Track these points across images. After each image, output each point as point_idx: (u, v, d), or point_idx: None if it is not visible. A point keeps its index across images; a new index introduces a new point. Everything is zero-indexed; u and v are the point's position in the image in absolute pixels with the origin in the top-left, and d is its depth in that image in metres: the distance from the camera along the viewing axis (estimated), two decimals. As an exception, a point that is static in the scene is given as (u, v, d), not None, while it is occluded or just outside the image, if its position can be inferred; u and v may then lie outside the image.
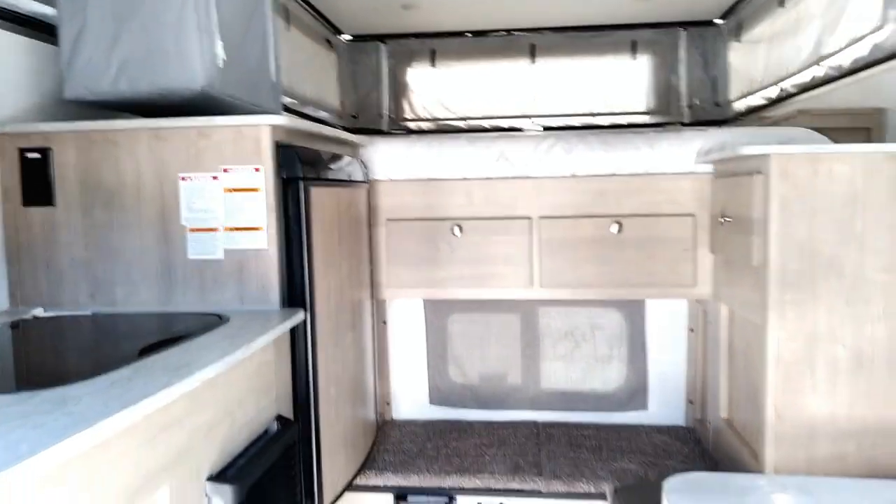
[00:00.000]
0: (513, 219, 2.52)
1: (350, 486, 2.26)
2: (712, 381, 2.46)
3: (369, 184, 2.55)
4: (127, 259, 1.83)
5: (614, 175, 2.47)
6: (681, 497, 1.31)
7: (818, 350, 1.83)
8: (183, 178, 1.79)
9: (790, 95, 3.01)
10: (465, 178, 2.54)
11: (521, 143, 2.53)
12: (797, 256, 1.82)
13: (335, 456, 2.06)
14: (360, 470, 2.34)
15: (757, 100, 3.56)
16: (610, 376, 2.79)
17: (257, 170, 1.77)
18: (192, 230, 1.81)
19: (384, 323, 2.85)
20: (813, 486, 1.34)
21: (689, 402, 2.75)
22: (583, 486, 2.24)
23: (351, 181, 2.33)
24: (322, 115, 4.31)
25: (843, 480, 1.38)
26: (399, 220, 2.58)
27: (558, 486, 2.25)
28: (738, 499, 1.30)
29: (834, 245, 1.80)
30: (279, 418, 1.77)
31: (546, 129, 4.85)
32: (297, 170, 1.86)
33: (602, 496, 2.21)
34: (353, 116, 5.03)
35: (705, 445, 2.53)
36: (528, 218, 2.51)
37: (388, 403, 2.90)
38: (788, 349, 1.84)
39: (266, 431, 1.69)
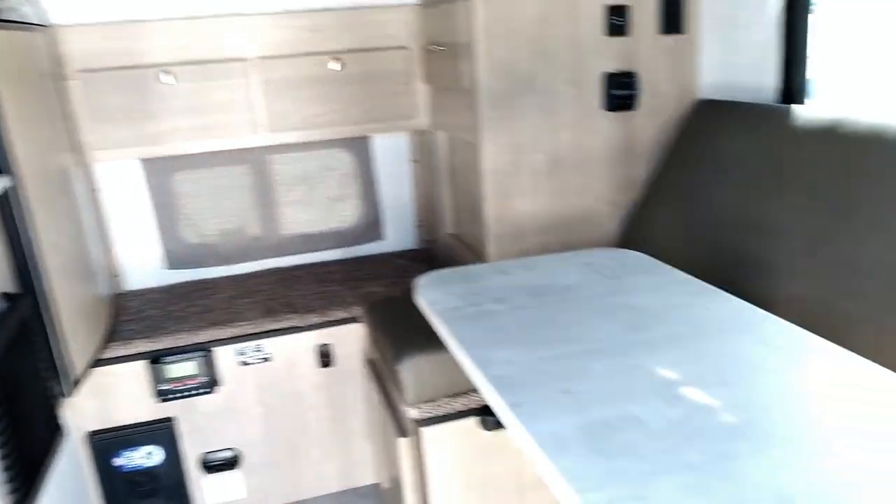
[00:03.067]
0: (228, 61, 2.39)
1: (98, 361, 2.15)
2: (438, 204, 2.72)
3: (48, 28, 2.20)
4: None
5: (327, 10, 2.45)
6: (430, 288, 1.51)
7: (523, 159, 2.12)
8: None
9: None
10: (166, 18, 2.31)
11: (227, -23, 2.35)
12: (500, 76, 2.03)
13: (74, 329, 1.94)
14: (104, 343, 2.23)
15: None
16: (346, 213, 2.92)
17: None
18: None
19: (97, 190, 2.60)
20: (531, 263, 1.63)
21: (419, 226, 3.02)
22: (337, 314, 2.40)
23: (26, 24, 1.99)
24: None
25: (551, 255, 1.69)
26: (95, 71, 2.30)
27: (314, 318, 2.38)
28: (476, 281, 1.53)
29: (529, 63, 2.04)
30: (5, 295, 1.60)
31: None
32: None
33: (355, 319, 2.40)
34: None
35: (437, 261, 2.83)
36: (245, 59, 2.41)
37: (118, 276, 2.72)
38: (500, 161, 2.10)
39: (-8, 313, 1.52)
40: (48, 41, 2.18)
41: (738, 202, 1.71)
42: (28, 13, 2.06)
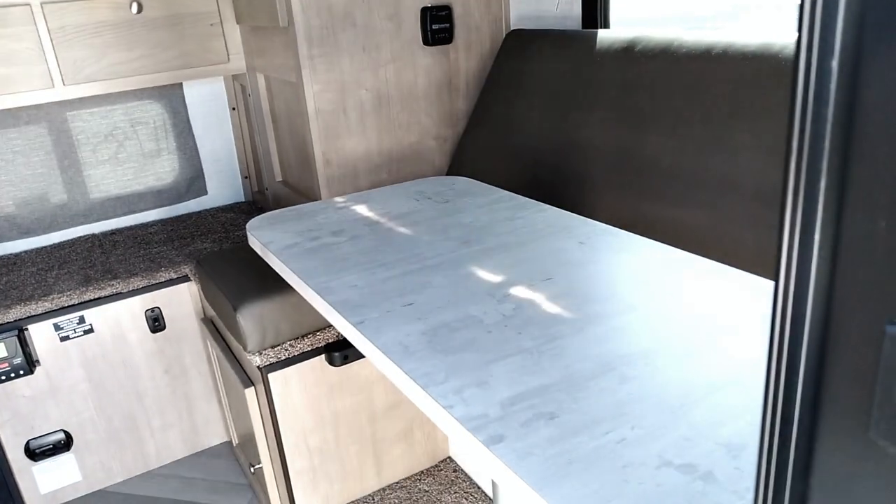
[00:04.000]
0: (6, 7, 2.12)
1: None
2: (263, 152, 2.63)
3: None
4: None
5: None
6: (264, 229, 1.47)
7: (347, 97, 2.10)
8: None
9: None
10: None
11: None
12: (317, 13, 1.98)
13: None
14: None
15: None
16: (163, 170, 2.74)
17: None
18: None
19: None
20: (365, 197, 1.64)
21: (245, 177, 2.91)
22: (164, 275, 2.27)
23: None
24: None
25: (384, 188, 1.71)
26: None
27: (139, 282, 2.24)
28: (310, 218, 1.52)
29: (345, -2, 2.02)
30: None
31: None
32: None
33: (185, 278, 2.29)
34: None
35: (268, 211, 2.75)
36: (27, 4, 2.15)
37: None
38: (324, 100, 2.07)
39: None
40: None
41: (551, 123, 1.83)
42: None
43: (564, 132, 1.76)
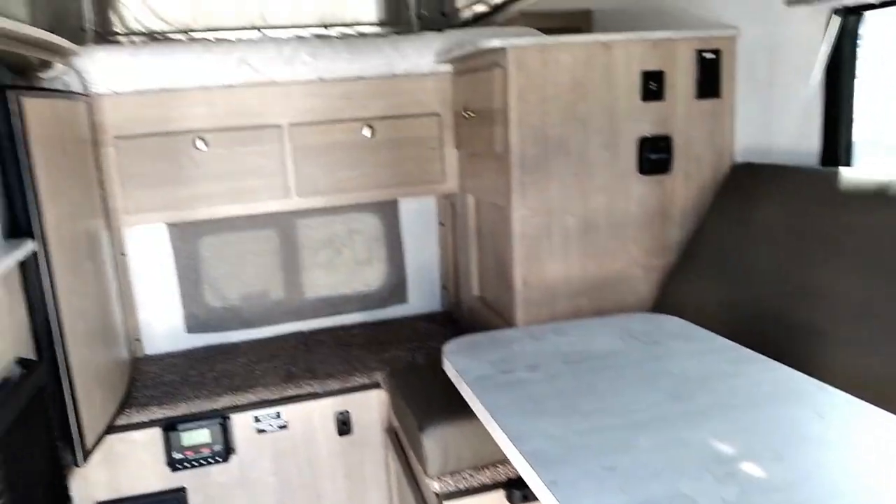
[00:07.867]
0: (262, 128, 2.42)
1: (111, 428, 2.09)
2: (464, 267, 2.67)
3: (89, 97, 2.25)
4: None
5: (360, 78, 2.48)
6: (459, 354, 1.44)
7: (554, 222, 2.07)
8: None
9: (511, 0, 3.24)
10: (204, 87, 2.36)
11: (264, 48, 2.40)
12: (533, 141, 2.01)
13: (91, 396, 1.89)
14: (120, 410, 2.17)
15: (481, 7, 3.77)
16: (371, 277, 2.88)
17: (-50, 75, 1.47)
18: None
19: (123, 255, 2.59)
20: (564, 328, 1.56)
21: (444, 288, 2.97)
22: (357, 379, 2.32)
23: (70, 93, 2.03)
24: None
25: (585, 320, 1.62)
26: (130, 138, 2.33)
27: (333, 384, 2.31)
28: (506, 347, 1.46)
29: (562, 128, 2.03)
30: (21, 361, 1.56)
31: (277, 41, 4.64)
32: (4, 76, 1.57)
33: (377, 384, 2.32)
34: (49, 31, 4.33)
35: (462, 324, 2.76)
36: (279, 126, 2.43)
37: (139, 340, 2.68)
38: (530, 224, 2.06)
39: (7, 379, 1.47)
40: (89, 109, 2.23)
41: (780, 267, 1.64)
42: (71, 82, 2.10)
43: (797, 279, 1.56)
